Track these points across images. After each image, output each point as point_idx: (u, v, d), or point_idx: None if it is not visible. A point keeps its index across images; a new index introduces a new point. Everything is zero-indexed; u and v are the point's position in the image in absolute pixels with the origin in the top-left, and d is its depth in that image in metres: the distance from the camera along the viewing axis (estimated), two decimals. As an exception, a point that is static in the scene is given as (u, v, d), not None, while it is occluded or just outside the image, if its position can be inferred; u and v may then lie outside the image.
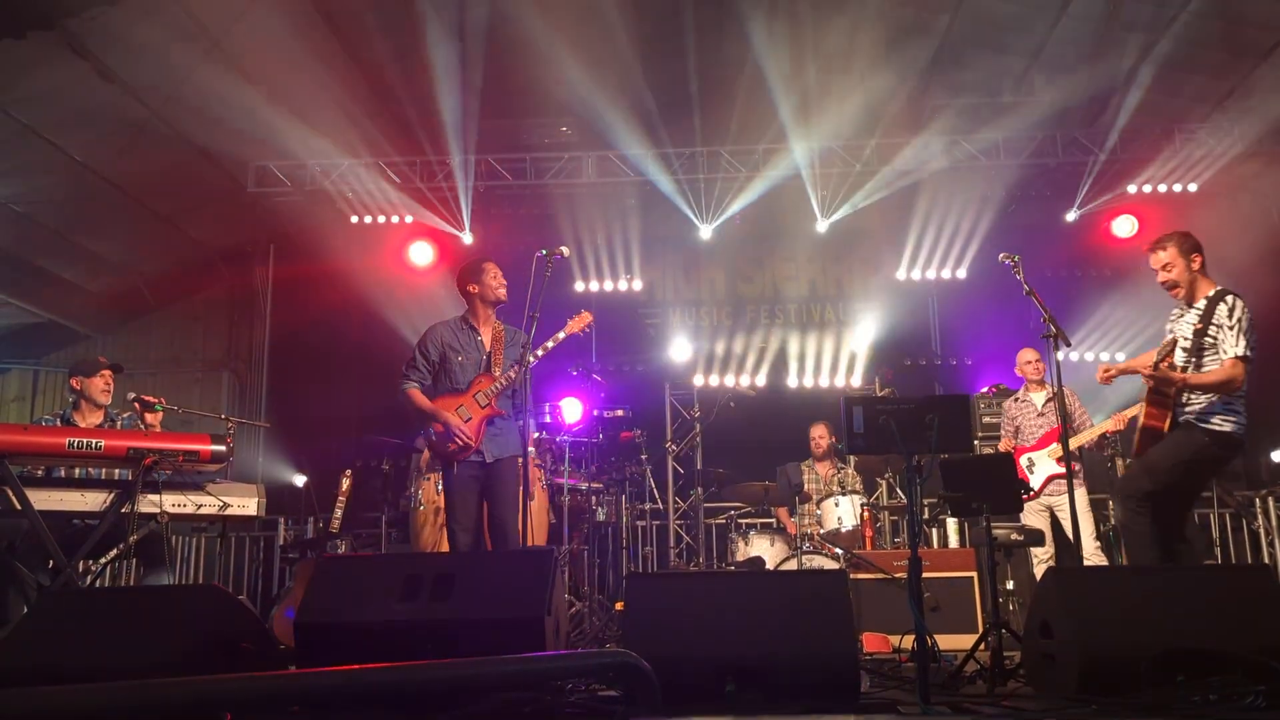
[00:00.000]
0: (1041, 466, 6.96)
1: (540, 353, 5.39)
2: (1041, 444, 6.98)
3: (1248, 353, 4.69)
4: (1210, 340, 4.78)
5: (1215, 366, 4.74)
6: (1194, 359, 4.82)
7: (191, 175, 9.97)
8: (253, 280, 11.39)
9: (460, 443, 5.21)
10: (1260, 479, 9.44)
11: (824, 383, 10.77)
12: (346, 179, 10.07)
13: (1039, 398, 7.30)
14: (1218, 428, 4.72)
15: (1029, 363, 7.37)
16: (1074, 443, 6.84)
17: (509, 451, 5.38)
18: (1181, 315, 5.05)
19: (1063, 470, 6.68)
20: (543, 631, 3.37)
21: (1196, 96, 10.03)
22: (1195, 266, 4.97)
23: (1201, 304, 4.91)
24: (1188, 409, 4.82)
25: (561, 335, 5.56)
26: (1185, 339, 4.91)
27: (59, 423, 5.80)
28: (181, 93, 8.69)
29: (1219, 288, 4.94)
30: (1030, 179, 10.27)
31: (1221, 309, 4.80)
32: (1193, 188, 9.90)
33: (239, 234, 11.20)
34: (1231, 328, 4.72)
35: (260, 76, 9.12)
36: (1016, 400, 7.39)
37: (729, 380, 10.55)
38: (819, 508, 7.48)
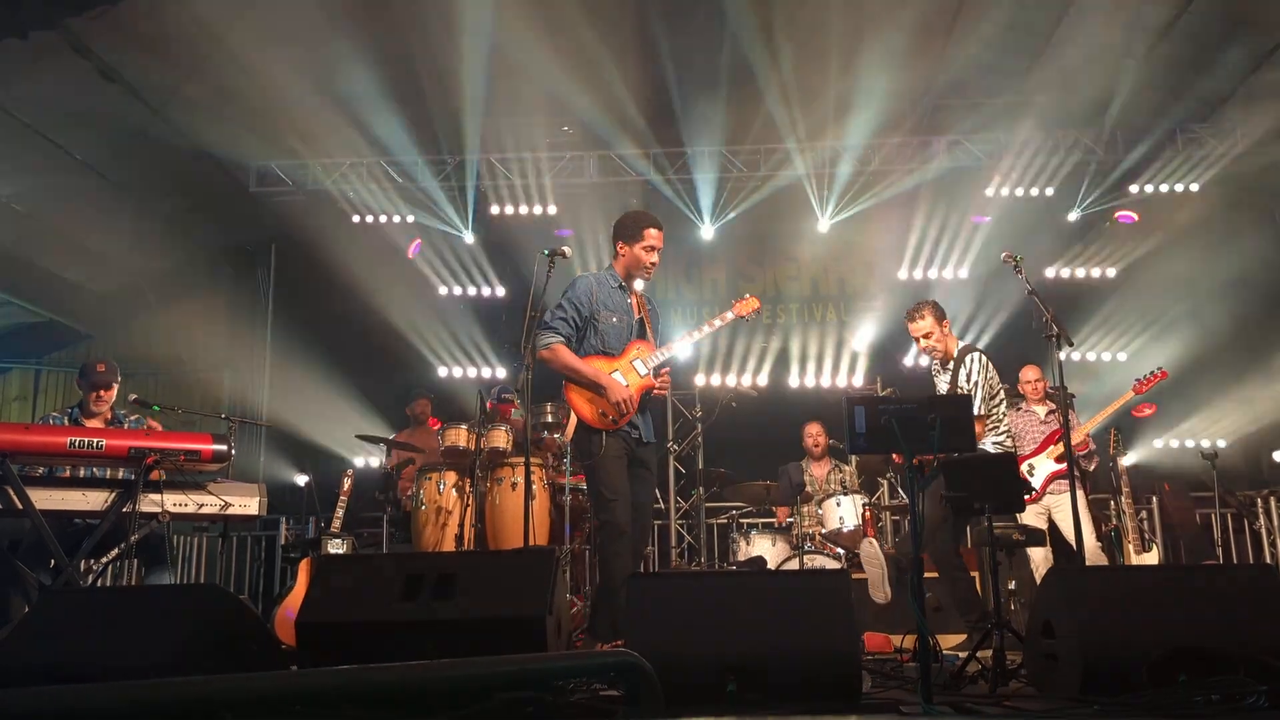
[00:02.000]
0: (1041, 468, 6.94)
1: (698, 333, 5.08)
2: (1040, 448, 6.98)
3: (981, 411, 5.14)
4: None
5: None
6: None
7: (193, 175, 9.99)
8: (254, 279, 11.39)
9: (620, 410, 4.73)
10: (1262, 479, 9.45)
11: (825, 382, 10.77)
12: (348, 178, 10.07)
13: (1041, 410, 7.34)
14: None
15: (1029, 383, 7.37)
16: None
17: (653, 437, 5.02)
18: (938, 374, 5.43)
19: (1062, 467, 6.71)
20: (544, 631, 3.36)
21: (1198, 97, 10.03)
22: (947, 330, 5.36)
23: (950, 364, 5.27)
24: None
25: (730, 316, 5.21)
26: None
27: (67, 420, 5.82)
28: (183, 92, 8.70)
29: (962, 345, 5.30)
30: (1032, 179, 10.25)
31: (961, 372, 5.16)
32: (1194, 187, 9.90)
33: (241, 233, 11.22)
34: (969, 390, 5.08)
35: (262, 76, 9.12)
36: (1019, 410, 7.38)
37: (730, 380, 10.55)
38: (820, 507, 7.48)
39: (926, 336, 5.32)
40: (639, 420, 4.92)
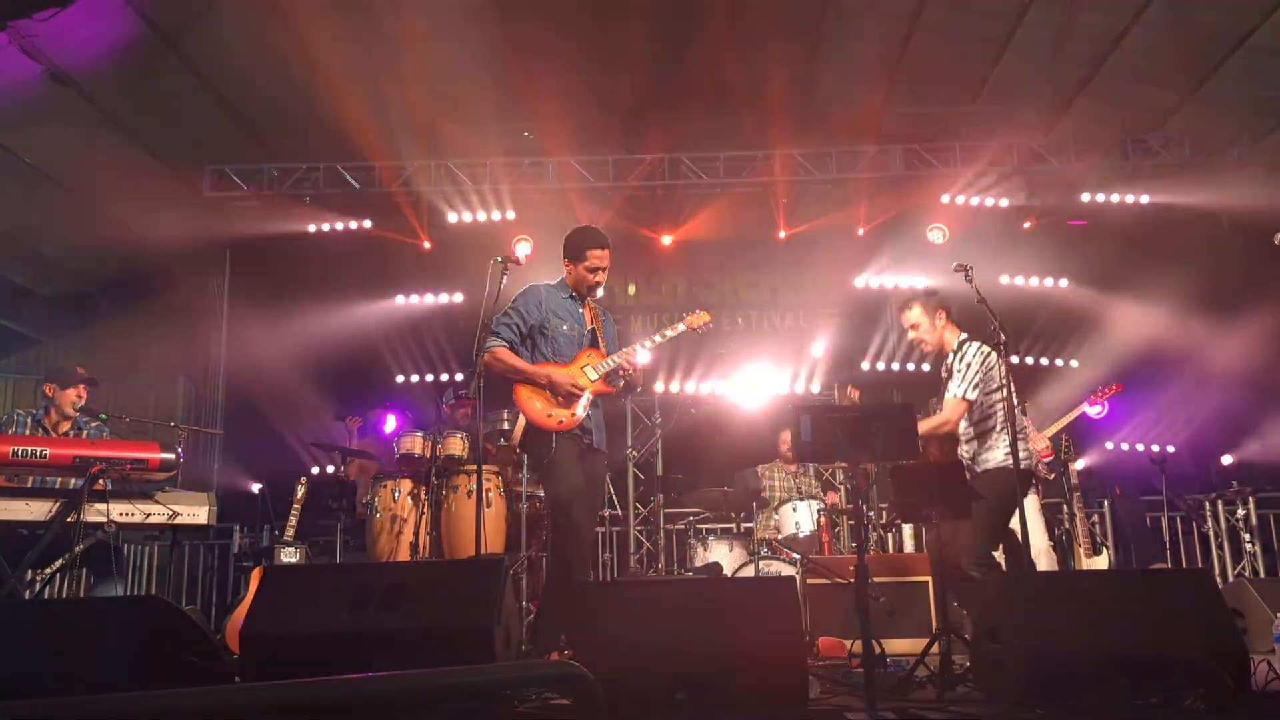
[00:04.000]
0: None
1: (650, 344, 5.12)
2: None
3: (969, 394, 4.91)
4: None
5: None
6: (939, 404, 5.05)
7: (146, 178, 9.84)
8: (209, 285, 11.24)
9: (571, 391, 4.78)
10: (1210, 483, 9.60)
11: (784, 389, 10.82)
12: (305, 184, 9.98)
13: None
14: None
15: None
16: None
17: (603, 444, 5.03)
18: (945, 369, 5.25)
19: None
20: (493, 641, 3.35)
21: (1148, 107, 10.20)
22: (941, 324, 5.16)
23: (950, 357, 5.11)
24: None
25: (681, 327, 5.29)
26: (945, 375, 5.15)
27: (30, 421, 5.81)
28: (136, 95, 8.59)
29: (963, 336, 5.15)
30: (986, 187, 10.36)
31: (955, 356, 5.03)
32: (1145, 199, 10.05)
33: (195, 238, 11.05)
34: (960, 371, 4.94)
35: (216, 78, 9.04)
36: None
37: (690, 386, 10.56)
38: (777, 513, 7.51)
39: (914, 328, 5.21)
40: (591, 425, 4.95)
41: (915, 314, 5.20)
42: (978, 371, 4.93)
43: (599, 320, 5.16)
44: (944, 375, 5.18)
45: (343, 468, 8.38)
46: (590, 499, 4.95)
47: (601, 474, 5.15)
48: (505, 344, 4.90)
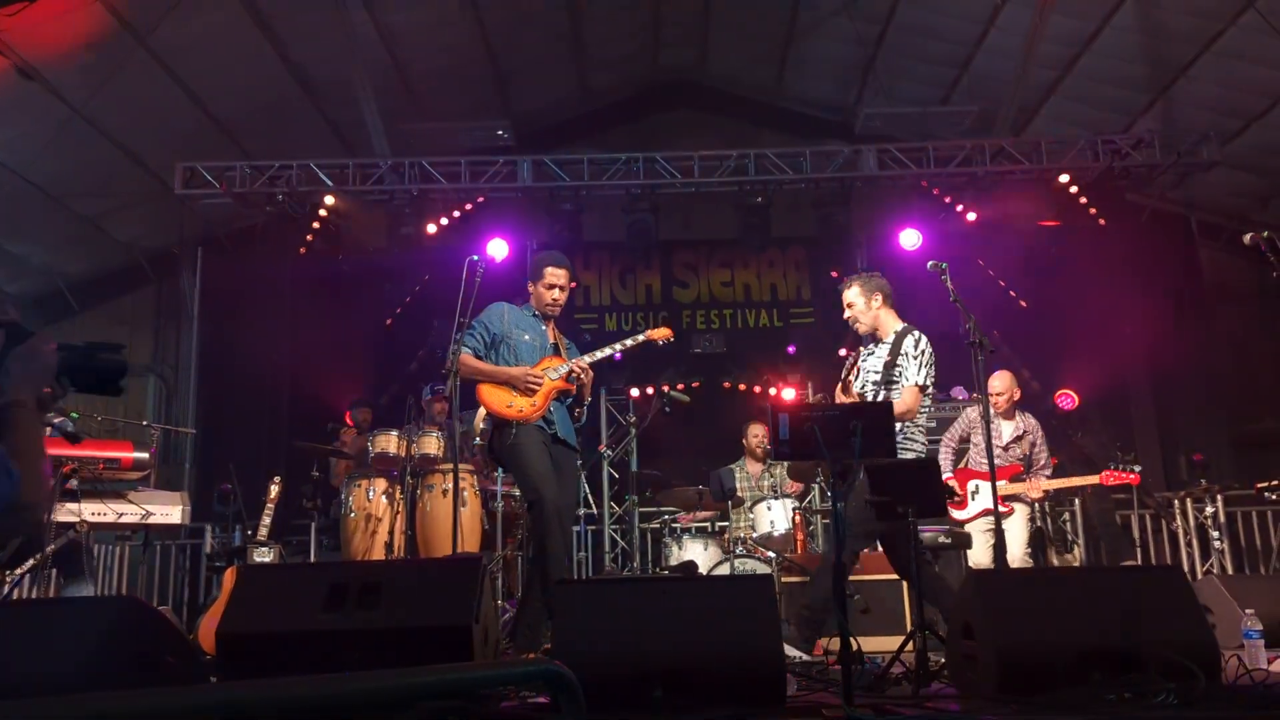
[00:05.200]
0: (984, 498, 6.80)
1: (605, 352, 5.29)
2: (999, 477, 6.92)
3: (926, 382, 4.95)
4: (897, 373, 4.99)
5: (898, 397, 4.93)
6: (884, 390, 5.03)
7: (116, 175, 9.76)
8: (180, 284, 11.15)
9: (530, 386, 4.95)
10: (1179, 480, 9.72)
11: (758, 387, 10.86)
12: (278, 181, 9.91)
13: (1008, 428, 7.10)
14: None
15: (999, 393, 7.01)
16: (1021, 486, 6.94)
17: (571, 439, 5.18)
18: (871, 352, 5.26)
19: (1006, 509, 6.71)
20: (470, 640, 3.34)
21: (1118, 109, 10.32)
22: (876, 305, 5.19)
23: (889, 340, 5.13)
24: None
25: (641, 338, 5.46)
26: (875, 373, 5.13)
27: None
28: (105, 91, 8.50)
29: (904, 325, 5.18)
30: (960, 187, 10.43)
31: (909, 342, 5.04)
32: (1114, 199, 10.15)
33: (166, 236, 10.96)
34: (915, 358, 4.97)
35: (187, 75, 8.96)
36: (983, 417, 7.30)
37: (665, 385, 10.56)
38: (752, 511, 7.53)
39: (849, 306, 5.27)
40: (554, 418, 5.08)
41: (853, 292, 5.25)
42: (931, 359, 4.97)
43: (562, 340, 5.37)
44: (877, 358, 5.19)
45: (331, 470, 8.30)
46: (564, 489, 5.02)
47: (573, 467, 5.24)
48: (470, 351, 5.06)
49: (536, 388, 4.98)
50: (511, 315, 5.23)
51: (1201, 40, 8.87)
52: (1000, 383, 7.05)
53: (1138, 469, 6.98)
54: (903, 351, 5.03)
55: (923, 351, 4.98)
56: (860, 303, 5.22)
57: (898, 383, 4.98)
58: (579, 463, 5.27)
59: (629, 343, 5.40)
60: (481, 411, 5.06)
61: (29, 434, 2.17)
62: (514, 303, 5.31)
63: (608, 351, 5.32)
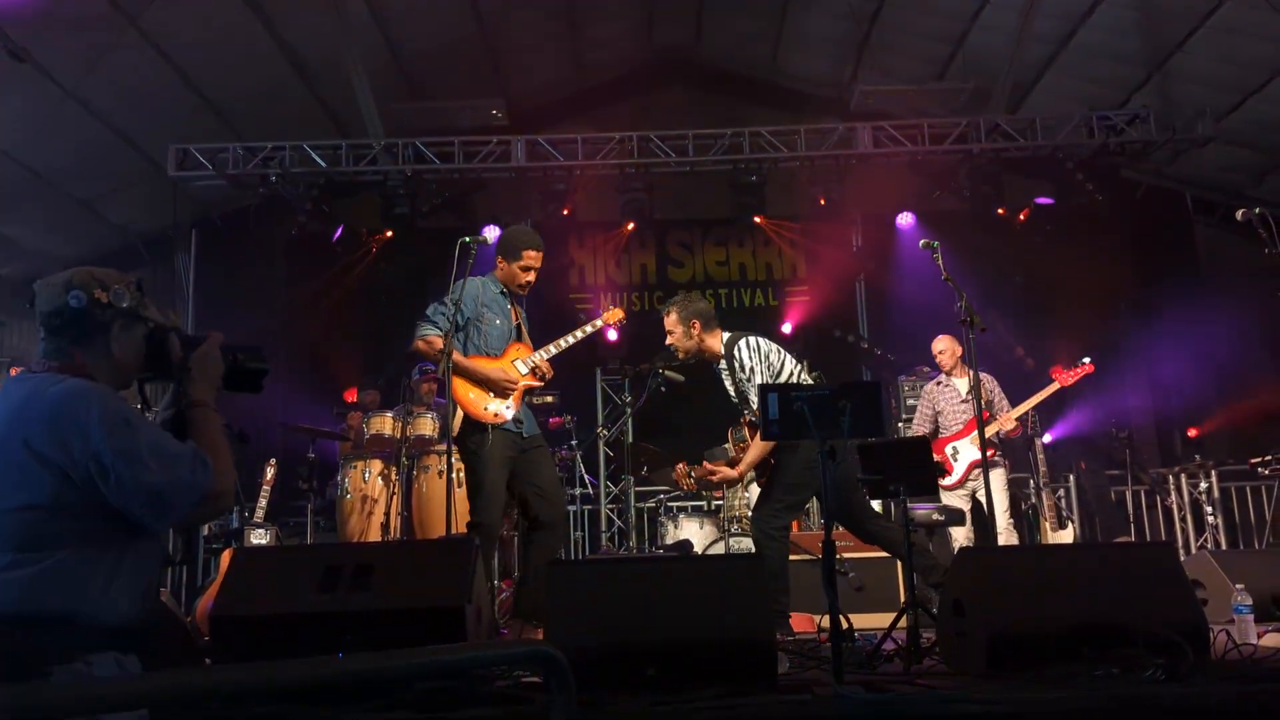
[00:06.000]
0: (965, 454, 7.02)
1: (563, 345, 5.22)
2: (965, 432, 7.08)
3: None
4: (749, 390, 4.97)
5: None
6: (747, 409, 5.06)
7: (109, 158, 9.73)
8: (174, 266, 11.13)
9: (505, 387, 4.90)
10: (1174, 457, 9.75)
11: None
12: (271, 163, 9.87)
13: (962, 384, 7.29)
14: None
15: (939, 353, 7.36)
16: (990, 429, 6.98)
17: (536, 431, 5.15)
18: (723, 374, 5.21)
19: (992, 452, 6.81)
20: (464, 620, 3.36)
21: (1113, 84, 10.28)
22: (696, 331, 5.11)
23: (723, 361, 5.10)
24: None
25: (599, 323, 5.48)
26: (734, 398, 5.14)
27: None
28: (98, 73, 8.46)
29: (728, 337, 5.11)
30: (954, 165, 10.41)
31: (735, 363, 4.99)
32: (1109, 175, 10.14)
33: (160, 218, 10.93)
34: (748, 380, 4.94)
35: (179, 56, 8.92)
36: (939, 384, 7.43)
37: (661, 365, 10.55)
38: (747, 491, 7.55)
39: (669, 334, 5.18)
40: (523, 415, 5.05)
41: (670, 320, 5.18)
42: (762, 371, 4.94)
43: (521, 316, 5.29)
44: (727, 380, 5.18)
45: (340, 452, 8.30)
46: (546, 474, 5.06)
47: (546, 458, 5.18)
48: (439, 333, 4.88)
49: (512, 389, 4.95)
50: (484, 294, 5.10)
51: (1197, 15, 8.84)
52: (941, 343, 7.34)
53: (1087, 360, 7.20)
54: (737, 373, 5.00)
55: (751, 369, 4.93)
56: (679, 330, 5.14)
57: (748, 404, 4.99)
58: (544, 447, 5.23)
59: (582, 332, 5.34)
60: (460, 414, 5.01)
61: (216, 430, 2.45)
62: (482, 279, 5.20)
63: (565, 344, 5.24)
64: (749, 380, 4.91)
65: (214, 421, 2.47)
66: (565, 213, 10.47)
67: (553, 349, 5.20)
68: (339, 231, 10.44)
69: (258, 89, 9.80)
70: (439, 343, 4.83)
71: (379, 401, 8.74)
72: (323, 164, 9.94)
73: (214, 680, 2.27)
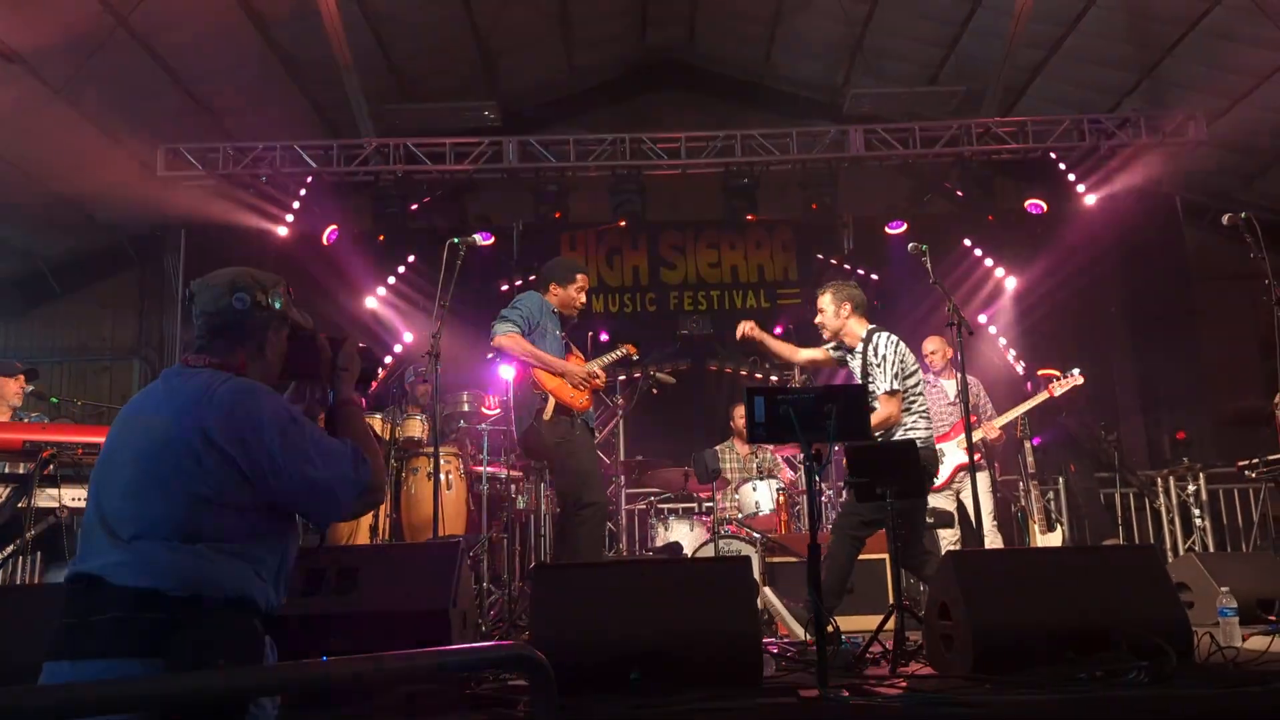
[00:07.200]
0: (951, 456, 7.02)
1: (610, 358, 5.63)
2: (951, 434, 7.09)
3: (895, 386, 5.03)
4: (870, 382, 5.10)
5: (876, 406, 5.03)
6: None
7: (98, 157, 9.67)
8: (164, 266, 11.09)
9: (587, 381, 5.27)
10: (1162, 459, 9.77)
11: (744, 369, 10.85)
12: (261, 164, 9.85)
13: (950, 386, 7.31)
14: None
15: (928, 354, 7.39)
16: (974, 435, 6.98)
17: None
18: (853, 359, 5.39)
19: (979, 455, 6.81)
20: (448, 623, 3.36)
21: (1104, 88, 10.31)
22: (845, 314, 5.31)
23: (859, 347, 5.24)
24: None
25: (619, 354, 5.78)
26: (859, 377, 5.24)
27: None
28: (87, 72, 8.42)
29: (870, 328, 5.27)
30: (945, 168, 10.42)
31: (870, 349, 5.15)
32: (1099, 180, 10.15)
33: (149, 218, 10.90)
34: (878, 365, 5.07)
35: (168, 55, 8.88)
36: (928, 385, 7.41)
37: (651, 367, 10.55)
38: (737, 492, 7.56)
39: (820, 312, 5.38)
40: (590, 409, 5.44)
41: (823, 300, 5.37)
42: (894, 364, 5.05)
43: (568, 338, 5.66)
44: (849, 364, 5.35)
45: None
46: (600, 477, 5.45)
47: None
48: (518, 330, 5.19)
49: (591, 384, 5.32)
50: (545, 309, 5.43)
51: (1187, 20, 8.86)
52: (932, 344, 7.41)
53: (1077, 371, 7.26)
54: (869, 358, 5.13)
55: (884, 357, 5.07)
56: (830, 311, 5.33)
57: (874, 392, 5.08)
58: None
59: (619, 354, 5.76)
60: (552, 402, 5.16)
61: (365, 426, 2.57)
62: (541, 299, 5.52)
63: (609, 360, 5.63)
64: (878, 366, 5.07)
65: (362, 418, 2.59)
66: (557, 215, 10.45)
67: (606, 359, 5.62)
68: (330, 232, 10.39)
69: (247, 89, 9.78)
70: (522, 339, 5.16)
71: (369, 403, 8.73)
72: (313, 164, 9.92)
73: (201, 683, 2.26)
